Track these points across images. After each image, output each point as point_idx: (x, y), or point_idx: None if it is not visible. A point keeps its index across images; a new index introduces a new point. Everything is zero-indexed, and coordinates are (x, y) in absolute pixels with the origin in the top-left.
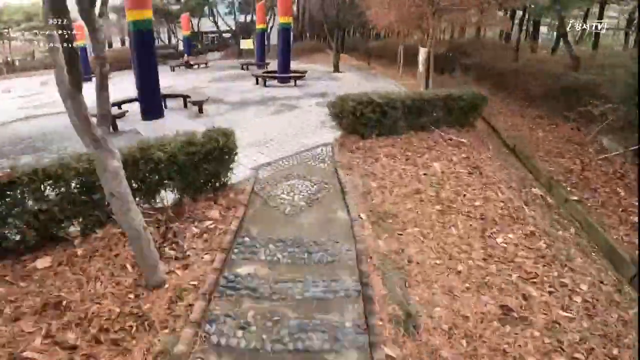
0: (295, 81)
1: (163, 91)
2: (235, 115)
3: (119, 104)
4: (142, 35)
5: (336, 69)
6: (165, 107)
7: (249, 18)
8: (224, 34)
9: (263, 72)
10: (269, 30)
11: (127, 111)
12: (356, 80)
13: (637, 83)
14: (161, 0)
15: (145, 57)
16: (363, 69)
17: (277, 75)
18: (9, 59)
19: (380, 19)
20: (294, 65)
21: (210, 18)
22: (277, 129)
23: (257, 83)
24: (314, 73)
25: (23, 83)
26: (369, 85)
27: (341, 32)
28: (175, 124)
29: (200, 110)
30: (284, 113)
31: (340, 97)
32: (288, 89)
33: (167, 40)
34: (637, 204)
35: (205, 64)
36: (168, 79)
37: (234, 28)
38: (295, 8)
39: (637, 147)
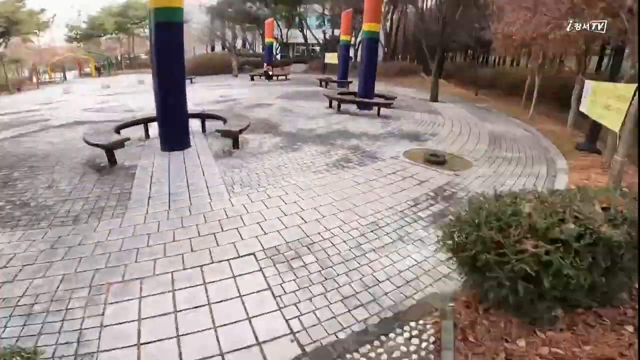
0: (379, 109)
1: (206, 105)
2: (279, 158)
3: (121, 127)
4: (167, 29)
5: (434, 97)
6: (204, 130)
7: (338, 32)
8: (311, 47)
9: (339, 93)
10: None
11: (129, 139)
12: (464, 117)
13: None
14: (250, 5)
15: (168, 59)
16: (468, 99)
17: (356, 99)
18: (131, 55)
19: (511, 36)
20: (380, 87)
21: (299, 29)
22: (325, 212)
23: (330, 106)
24: (405, 100)
25: (131, 79)
26: (487, 127)
27: (443, 53)
28: (187, 164)
29: (235, 144)
30: (351, 170)
31: (476, 209)
32: (368, 120)
33: (255, 49)
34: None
35: (285, 76)
36: (235, 90)
37: (321, 41)
38: (388, 24)
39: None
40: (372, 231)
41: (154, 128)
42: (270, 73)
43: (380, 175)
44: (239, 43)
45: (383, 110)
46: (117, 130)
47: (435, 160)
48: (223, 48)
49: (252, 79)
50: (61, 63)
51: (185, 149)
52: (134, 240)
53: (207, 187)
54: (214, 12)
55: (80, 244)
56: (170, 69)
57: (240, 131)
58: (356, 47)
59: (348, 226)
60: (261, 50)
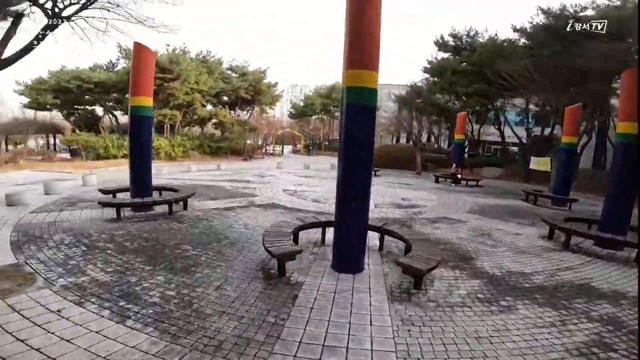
0: (639, 253)
1: (385, 209)
2: (479, 322)
3: (301, 229)
4: (360, 112)
5: None
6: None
7: (547, 131)
8: (508, 147)
9: (567, 219)
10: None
11: (301, 251)
12: None
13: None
14: (439, 96)
15: (356, 147)
16: None
17: (600, 234)
18: (330, 137)
19: None
20: None
21: (494, 126)
22: None
23: (549, 237)
24: None
25: (327, 161)
26: None
27: None
28: (354, 300)
29: (418, 284)
30: None
31: None
32: (621, 269)
33: (439, 143)
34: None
35: (477, 181)
36: (418, 192)
37: (524, 141)
38: None
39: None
40: None
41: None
42: (459, 176)
43: None
44: (424, 136)
45: None
46: (297, 231)
47: None
48: (407, 141)
49: (437, 181)
50: (282, 137)
51: (356, 273)
52: None
53: (372, 349)
54: (402, 101)
55: None
56: (357, 159)
57: (428, 270)
58: (579, 151)
59: None
60: (447, 146)
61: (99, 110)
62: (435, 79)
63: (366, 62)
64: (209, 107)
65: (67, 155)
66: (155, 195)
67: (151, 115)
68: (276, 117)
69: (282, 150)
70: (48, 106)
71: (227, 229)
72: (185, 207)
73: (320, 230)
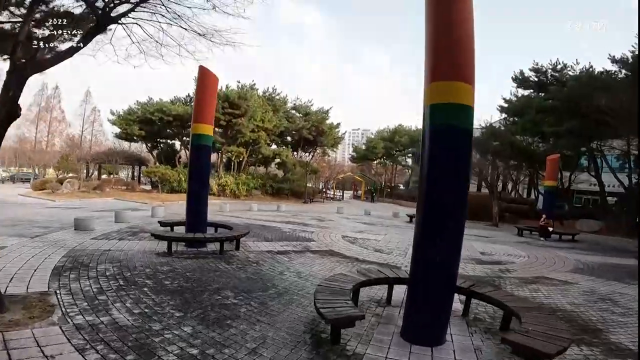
0: None
1: (464, 265)
2: None
3: (362, 285)
4: (449, 138)
5: None
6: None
7: None
8: (607, 197)
9: None
10: None
11: (363, 317)
12: None
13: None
14: (522, 137)
15: (443, 187)
16: None
17: None
18: (392, 183)
19: None
20: None
21: (591, 172)
22: None
23: None
24: None
25: (388, 209)
26: None
27: None
28: None
29: None
30: None
31: None
32: None
33: (518, 192)
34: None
35: (573, 236)
36: (499, 246)
37: (627, 189)
38: None
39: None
40: None
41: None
42: (550, 229)
43: None
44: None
45: None
46: (358, 287)
47: None
48: (479, 188)
49: (520, 234)
50: (343, 181)
51: (436, 346)
52: None
53: None
54: (475, 144)
55: None
56: (446, 196)
57: (558, 353)
58: None
59: None
60: (526, 195)
61: (178, 145)
62: (516, 118)
63: (458, 71)
64: (273, 146)
65: (149, 187)
66: (210, 231)
67: (211, 144)
68: (337, 160)
69: (342, 195)
70: (135, 137)
71: (277, 276)
72: (237, 247)
73: (386, 287)
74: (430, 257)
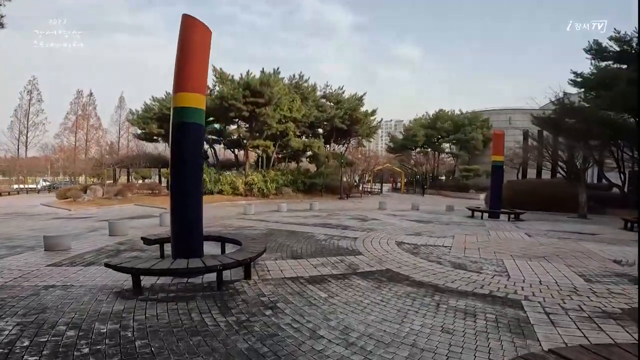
0: None
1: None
2: None
3: None
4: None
5: None
6: None
7: None
8: None
9: None
10: None
11: None
12: None
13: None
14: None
15: None
16: None
17: None
18: (435, 173)
19: None
20: None
21: None
22: None
23: None
24: None
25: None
26: None
27: None
28: None
29: None
30: None
31: None
32: None
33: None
34: None
35: None
36: (618, 248)
37: None
38: None
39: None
40: None
41: None
42: None
43: None
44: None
45: None
46: None
47: None
48: (553, 174)
49: (630, 227)
50: (380, 173)
51: None
52: None
53: None
54: (547, 123)
55: None
56: None
57: None
58: None
59: None
60: (596, 180)
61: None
62: (594, 92)
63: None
64: (303, 138)
65: None
66: (212, 248)
67: (202, 121)
68: (372, 152)
69: (381, 188)
70: (155, 137)
71: (305, 342)
72: (247, 275)
73: None
74: None
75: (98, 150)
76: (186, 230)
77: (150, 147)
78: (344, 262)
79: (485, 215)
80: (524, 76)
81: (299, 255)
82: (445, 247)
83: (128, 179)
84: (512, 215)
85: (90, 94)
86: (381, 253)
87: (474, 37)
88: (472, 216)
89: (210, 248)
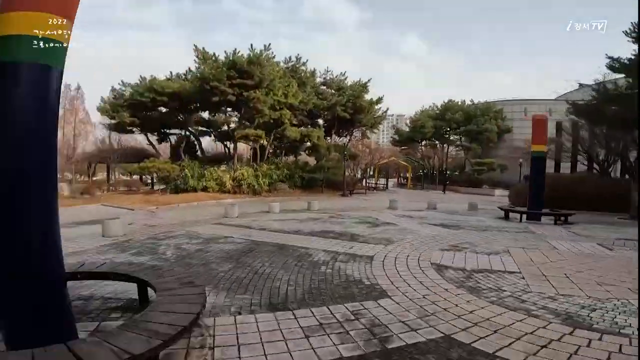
0: None
1: None
2: None
3: None
4: None
5: None
6: None
7: None
8: None
9: None
10: None
11: None
12: None
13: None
14: None
15: None
16: None
17: None
18: (442, 167)
19: None
20: None
21: None
22: None
23: None
24: None
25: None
26: None
27: None
28: None
29: None
30: None
31: None
32: None
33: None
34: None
35: None
36: None
37: None
38: None
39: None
40: None
41: None
42: None
43: None
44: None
45: None
46: None
47: None
48: (589, 168)
49: None
50: (385, 167)
51: None
52: None
53: None
54: (583, 112)
55: None
56: None
57: None
58: None
59: None
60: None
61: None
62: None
63: None
64: (301, 128)
65: (163, 186)
66: (93, 289)
67: (61, 66)
68: (377, 144)
69: (387, 184)
70: (128, 127)
71: None
72: None
73: None
74: None
75: (85, 145)
76: (10, 270)
77: (140, 139)
78: (359, 319)
79: (524, 216)
80: (531, 69)
81: (281, 302)
82: (511, 273)
83: (108, 176)
84: (561, 218)
85: (78, 88)
86: (418, 290)
87: (482, 30)
88: (507, 217)
89: (76, 288)
